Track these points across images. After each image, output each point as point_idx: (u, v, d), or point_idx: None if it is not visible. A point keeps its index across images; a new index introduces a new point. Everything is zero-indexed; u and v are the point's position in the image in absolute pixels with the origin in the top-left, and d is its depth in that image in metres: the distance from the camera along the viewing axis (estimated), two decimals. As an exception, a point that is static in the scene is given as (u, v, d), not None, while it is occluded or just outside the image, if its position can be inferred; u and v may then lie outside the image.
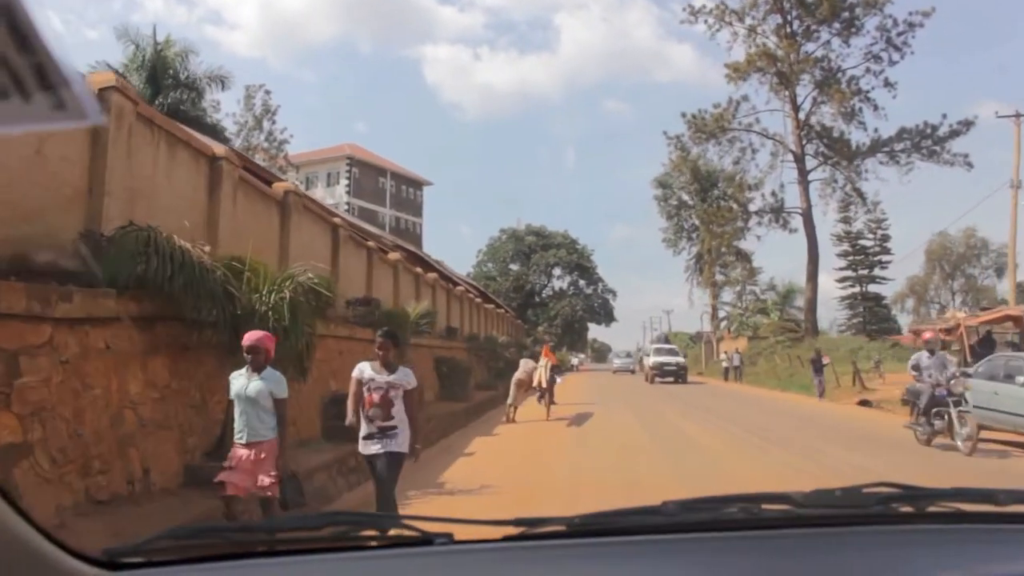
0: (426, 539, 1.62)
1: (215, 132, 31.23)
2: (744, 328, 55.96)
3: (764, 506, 1.77)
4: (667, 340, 57.90)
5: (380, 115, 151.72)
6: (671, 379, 41.72)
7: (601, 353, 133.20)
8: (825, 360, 28.96)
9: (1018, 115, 31.70)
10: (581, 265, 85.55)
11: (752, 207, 50.04)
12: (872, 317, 73.62)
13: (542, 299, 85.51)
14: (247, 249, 9.95)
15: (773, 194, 49.61)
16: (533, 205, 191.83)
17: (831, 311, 70.53)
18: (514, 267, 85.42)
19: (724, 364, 46.83)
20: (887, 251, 74.58)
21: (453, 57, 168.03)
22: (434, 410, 18.38)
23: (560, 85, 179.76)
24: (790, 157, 48.38)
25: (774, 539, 1.70)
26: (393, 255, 22.74)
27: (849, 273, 74.55)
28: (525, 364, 21.70)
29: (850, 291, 75.72)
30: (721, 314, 66.55)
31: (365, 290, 18.72)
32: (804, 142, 47.90)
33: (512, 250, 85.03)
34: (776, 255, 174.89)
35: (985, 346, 23.63)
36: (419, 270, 25.33)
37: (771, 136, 48.87)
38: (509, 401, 20.25)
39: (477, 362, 31.59)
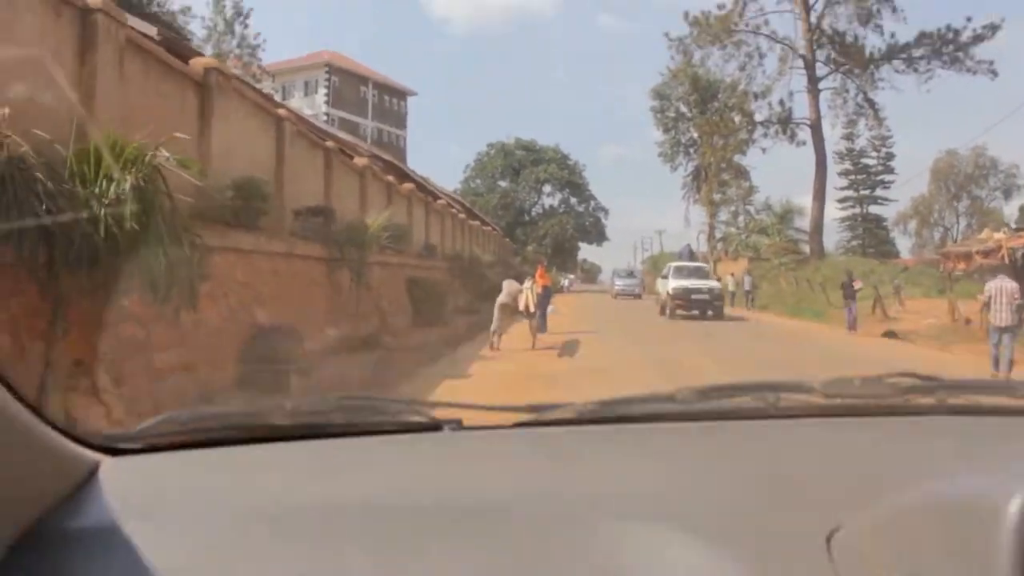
0: (435, 424, 1.60)
1: (179, 35, 28.16)
2: (743, 249, 52.80)
3: (783, 395, 1.71)
4: (692, 255, 45.63)
5: (367, 30, 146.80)
6: (698, 312, 29.95)
7: (590, 274, 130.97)
8: (857, 285, 24.98)
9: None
10: (572, 182, 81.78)
11: (758, 117, 46.66)
12: (872, 239, 71.30)
13: (531, 217, 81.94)
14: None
15: (781, 103, 46.13)
16: (524, 124, 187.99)
17: (831, 232, 68.79)
18: (503, 183, 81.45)
19: (731, 288, 39.45)
20: (890, 170, 72.08)
21: None
22: (404, 339, 15.64)
23: None
24: (800, 63, 44.80)
25: (792, 428, 1.69)
26: (360, 160, 19.74)
27: (850, 193, 72.55)
28: (509, 286, 19.33)
29: (850, 212, 73.72)
30: (718, 234, 63.59)
31: (323, 200, 15.83)
32: (815, 47, 44.28)
33: (501, 165, 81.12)
34: (770, 174, 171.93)
35: (1015, 269, 20.83)
36: (391, 179, 22.32)
37: (780, 40, 45.14)
38: (493, 327, 18.07)
39: (460, 284, 28.83)
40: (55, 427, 1.24)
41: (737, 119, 47.29)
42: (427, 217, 27.28)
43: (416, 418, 1.63)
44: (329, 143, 17.02)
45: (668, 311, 30.69)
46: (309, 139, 15.64)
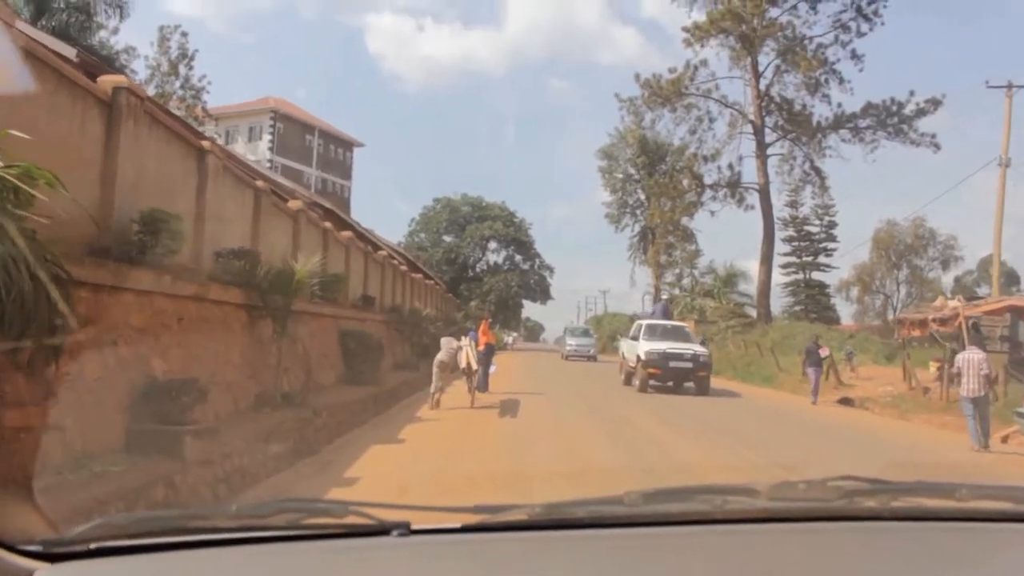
0: (382, 528, 1.57)
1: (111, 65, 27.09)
2: (689, 311, 52.19)
3: (729, 498, 1.74)
4: (667, 313, 35.54)
5: (319, 83, 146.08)
6: (674, 384, 24.34)
7: (533, 332, 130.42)
8: (824, 352, 23.43)
9: (1010, 85, 28.50)
10: (518, 239, 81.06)
11: (707, 180, 46.41)
12: (814, 305, 71.47)
13: (476, 273, 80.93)
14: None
15: (730, 167, 46.02)
16: (472, 183, 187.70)
17: (774, 297, 68.75)
18: (448, 238, 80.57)
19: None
20: (833, 238, 72.75)
21: (396, 27, 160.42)
22: (333, 396, 14.31)
23: (504, 61, 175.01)
24: (749, 129, 44.89)
25: (737, 533, 1.68)
26: (294, 203, 18.49)
27: (794, 259, 72.90)
28: (447, 344, 18.51)
29: (793, 277, 74.02)
30: (663, 296, 63.12)
31: (251, 243, 14.55)
32: (764, 113, 44.39)
33: (446, 220, 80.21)
34: (713, 237, 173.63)
35: (974, 339, 20.28)
36: (328, 225, 21.08)
37: (730, 105, 45.29)
38: (432, 387, 17.42)
39: (398, 338, 27.55)
40: None
41: (686, 182, 46.99)
42: (366, 267, 25.98)
43: (362, 521, 1.59)
44: (259, 182, 15.76)
45: (638, 382, 24.12)
46: (236, 176, 14.38)
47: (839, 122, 43.93)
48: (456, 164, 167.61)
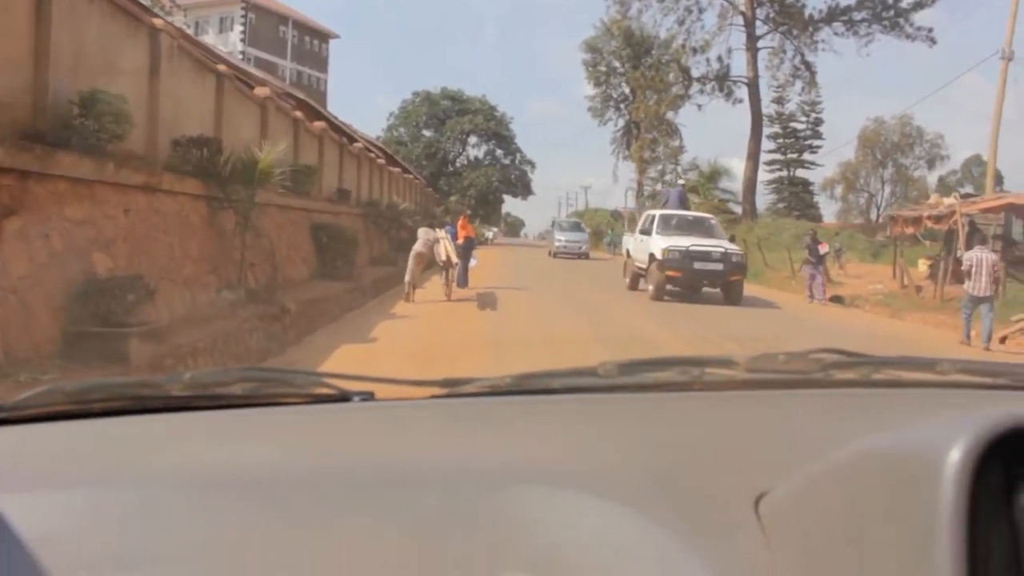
0: (343, 396, 1.51)
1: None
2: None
3: (707, 369, 1.70)
4: (684, 202, 28.37)
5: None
6: (700, 289, 20.19)
7: (514, 228, 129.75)
8: (823, 248, 21.77)
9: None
10: (499, 134, 79.00)
11: (695, 73, 44.87)
12: (798, 203, 70.81)
13: (456, 168, 79.21)
14: None
15: (719, 59, 44.42)
16: (452, 78, 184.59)
17: (758, 195, 67.99)
18: (427, 133, 78.46)
19: (609, 241, 37.73)
20: (819, 135, 71.71)
21: None
22: (304, 292, 13.61)
23: None
24: (739, 21, 43.25)
25: (715, 399, 1.65)
26: (261, 90, 17.45)
27: (778, 156, 71.90)
28: (424, 235, 18.17)
29: (777, 175, 73.11)
30: (646, 192, 62.17)
31: (213, 131, 13.63)
32: (755, 5, 42.71)
33: (426, 114, 77.96)
34: (696, 134, 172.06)
35: (977, 238, 19.67)
36: (299, 114, 20.03)
37: (720, -6, 43.50)
38: (407, 278, 17.07)
39: (376, 232, 26.75)
40: None
41: (673, 75, 45.46)
42: (341, 160, 25.00)
43: (324, 390, 1.54)
44: (221, 67, 14.72)
45: (652, 287, 19.58)
46: (195, 59, 13.37)
47: (833, 15, 42.36)
48: (436, 60, 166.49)
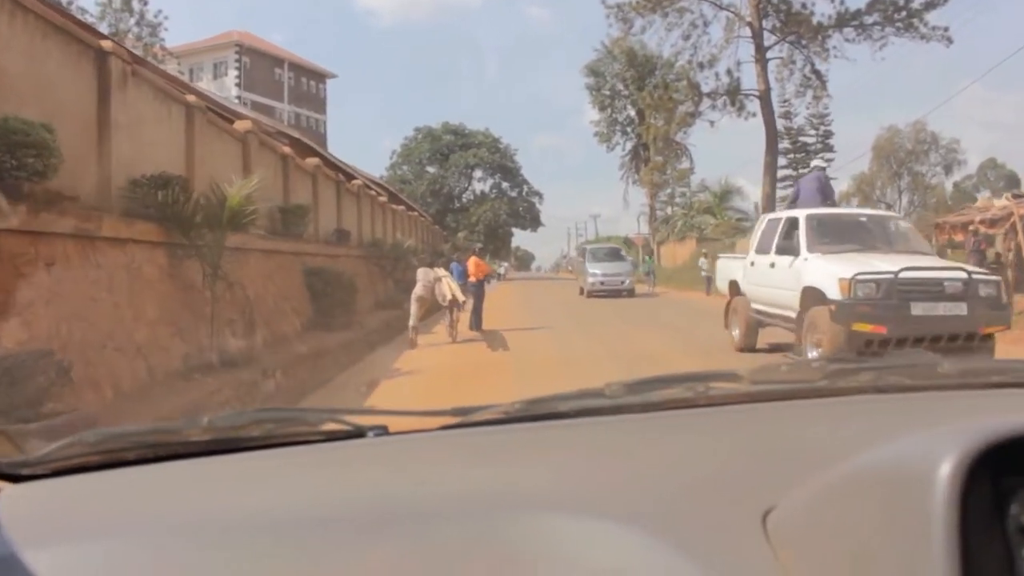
0: (358, 432, 1.55)
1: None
2: (688, 229, 49.43)
3: (711, 384, 1.76)
4: (825, 189, 14.06)
5: (293, 25, 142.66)
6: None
7: (524, 261, 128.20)
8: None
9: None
10: (504, 166, 77.16)
11: (704, 88, 42.91)
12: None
13: (462, 204, 77.32)
14: None
15: (728, 72, 42.49)
16: (454, 114, 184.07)
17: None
18: (431, 169, 76.60)
19: (706, 273, 29.89)
20: (829, 148, 70.07)
21: None
22: (293, 347, 11.82)
23: None
24: (747, 32, 41.48)
25: (720, 415, 1.67)
26: (242, 123, 15.80)
27: (790, 172, 70.18)
28: (424, 275, 16.67)
29: (789, 190, 71.21)
30: (660, 215, 60.28)
31: (185, 169, 11.96)
32: (762, 14, 40.99)
33: (428, 150, 76.15)
34: (702, 155, 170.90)
35: None
36: (287, 150, 18.36)
37: (725, 7, 41.69)
38: (411, 322, 15.95)
39: (380, 274, 25.01)
40: None
41: (682, 91, 43.57)
42: (339, 199, 23.34)
43: (338, 427, 1.60)
44: (191, 98, 13.05)
45: (823, 348, 10.10)
46: (157, 88, 11.70)
47: (843, 19, 40.50)
48: (437, 99, 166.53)
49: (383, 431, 1.54)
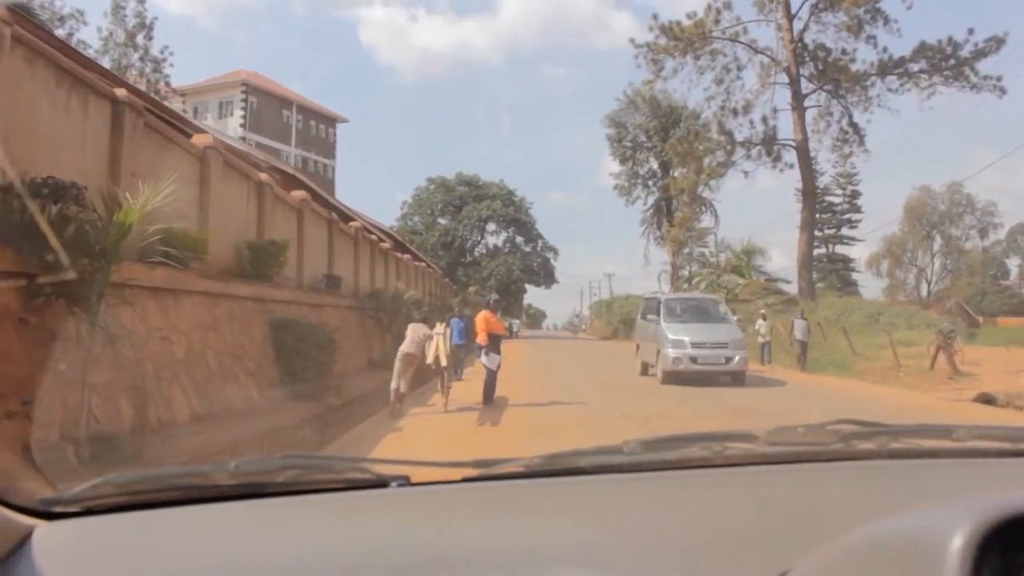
0: (381, 482, 1.59)
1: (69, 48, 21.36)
2: (715, 289, 45.94)
3: (728, 444, 1.75)
4: None
5: (314, 80, 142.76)
6: None
7: (535, 319, 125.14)
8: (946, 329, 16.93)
9: None
10: (518, 219, 74.05)
11: (737, 137, 39.82)
12: (837, 280, 65.79)
13: (474, 257, 74.27)
14: None
15: (764, 120, 39.47)
16: (469, 170, 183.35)
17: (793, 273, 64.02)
18: (443, 221, 73.75)
19: (764, 337, 25.60)
20: (856, 208, 67.32)
21: (389, 19, 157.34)
22: (232, 429, 8.60)
23: (499, 49, 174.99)
24: (783, 79, 38.63)
25: (737, 476, 1.69)
26: (201, 138, 12.75)
27: (816, 233, 67.18)
28: (413, 332, 13.94)
29: (816, 252, 68.25)
30: (678, 274, 56.90)
31: (106, 182, 8.84)
32: (800, 60, 38.18)
33: (441, 201, 73.36)
34: (721, 213, 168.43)
35: None
36: (264, 176, 15.30)
37: (761, 50, 38.87)
38: (393, 384, 13.19)
39: (376, 329, 21.83)
40: None
41: (706, 144, 40.52)
42: (331, 240, 20.23)
43: (361, 476, 1.62)
44: (121, 92, 10.00)
45: None
46: (91, 87, 8.70)
47: (885, 67, 37.75)
48: (452, 154, 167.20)
49: (405, 481, 1.57)
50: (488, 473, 1.61)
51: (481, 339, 14.27)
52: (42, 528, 1.28)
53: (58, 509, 1.36)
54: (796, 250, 39.44)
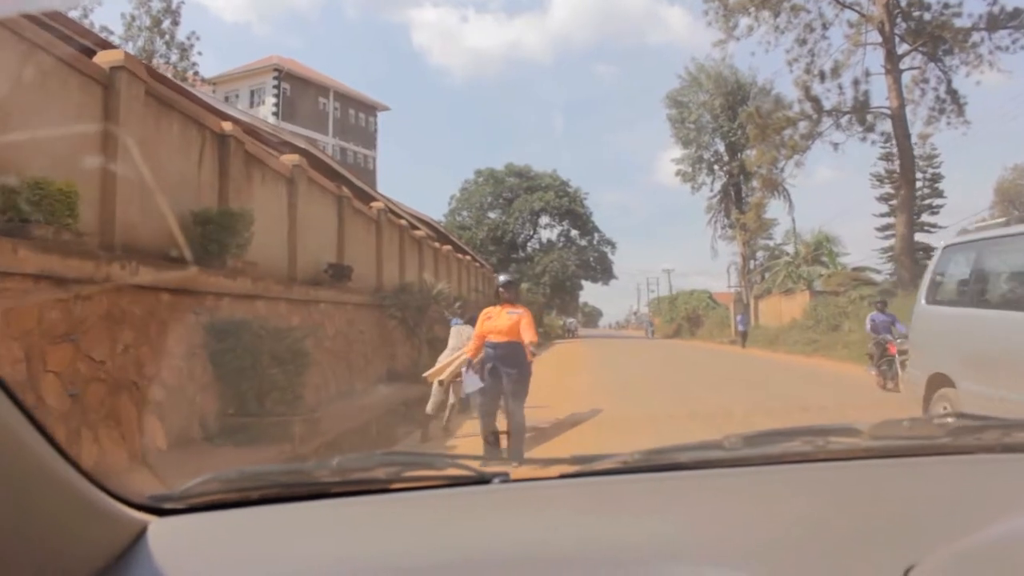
0: (483, 478, 1.58)
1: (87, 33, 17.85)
2: (795, 281, 41.08)
3: (830, 438, 1.70)
4: None
5: (367, 83, 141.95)
6: None
7: (592, 317, 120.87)
8: None
9: None
10: (573, 211, 69.25)
11: (824, 104, 34.76)
12: (919, 271, 60.46)
13: (526, 252, 69.71)
14: None
15: (855, 83, 34.34)
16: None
17: (871, 261, 59.44)
18: (492, 215, 69.49)
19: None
20: (939, 193, 61.83)
21: (440, 20, 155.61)
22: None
23: (550, 48, 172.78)
24: (874, 37, 33.54)
25: (843, 470, 1.62)
26: (109, 54, 8.67)
27: (892, 220, 61.96)
28: (458, 335, 11.13)
29: (892, 242, 63.00)
30: (750, 264, 51.99)
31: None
32: (894, 17, 33.11)
33: (490, 194, 68.99)
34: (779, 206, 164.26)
35: None
36: (228, 125, 11.16)
37: (848, 4, 33.94)
38: (429, 407, 10.48)
39: (400, 331, 17.67)
40: (104, 489, 1.22)
41: (797, 107, 35.40)
42: (342, 223, 16.11)
43: (462, 472, 1.60)
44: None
45: None
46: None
47: (995, 21, 32.59)
48: (503, 155, 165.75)
49: (506, 478, 1.57)
50: (587, 469, 1.60)
51: (470, 350, 8.93)
52: (155, 524, 1.29)
53: (168, 506, 1.37)
54: (866, 242, 34.57)
